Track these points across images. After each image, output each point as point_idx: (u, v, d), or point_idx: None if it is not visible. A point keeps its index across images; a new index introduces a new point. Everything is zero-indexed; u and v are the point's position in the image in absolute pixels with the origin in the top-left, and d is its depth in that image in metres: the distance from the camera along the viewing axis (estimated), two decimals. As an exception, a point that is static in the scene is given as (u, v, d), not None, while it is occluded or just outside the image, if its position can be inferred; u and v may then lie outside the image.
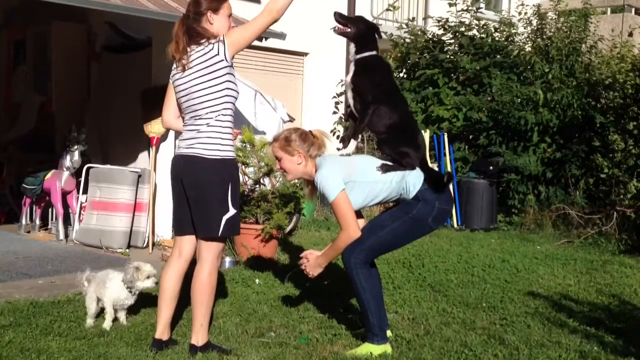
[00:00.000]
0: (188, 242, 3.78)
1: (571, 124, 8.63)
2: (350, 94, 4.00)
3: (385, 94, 3.94)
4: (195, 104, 3.62)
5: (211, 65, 3.57)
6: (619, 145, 7.86)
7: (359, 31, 3.97)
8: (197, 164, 3.60)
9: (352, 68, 4.00)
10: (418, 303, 4.86)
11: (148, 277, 4.14)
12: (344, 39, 4.34)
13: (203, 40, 3.60)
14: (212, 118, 3.60)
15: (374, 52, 3.99)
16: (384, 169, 3.79)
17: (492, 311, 4.74)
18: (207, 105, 3.59)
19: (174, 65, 3.70)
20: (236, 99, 3.70)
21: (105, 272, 4.25)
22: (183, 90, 3.65)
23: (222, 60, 3.57)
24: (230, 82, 3.62)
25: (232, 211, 3.64)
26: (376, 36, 4.04)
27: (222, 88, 3.60)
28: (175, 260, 3.80)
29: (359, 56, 3.96)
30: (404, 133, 3.93)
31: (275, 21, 3.62)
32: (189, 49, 3.61)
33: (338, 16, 3.99)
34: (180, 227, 3.81)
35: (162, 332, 3.79)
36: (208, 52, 3.57)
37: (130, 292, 4.14)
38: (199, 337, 3.70)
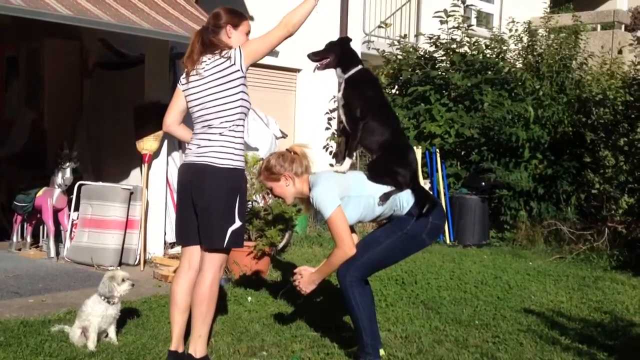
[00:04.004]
0: (196, 252, 3.77)
1: (562, 140, 8.69)
2: (341, 111, 4.02)
3: (376, 109, 3.95)
4: (208, 114, 3.63)
5: (227, 75, 3.59)
6: (609, 161, 7.91)
7: (337, 55, 3.98)
8: (207, 172, 3.60)
9: (342, 85, 4.01)
10: (411, 321, 4.85)
11: (124, 281, 4.13)
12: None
13: (217, 51, 3.63)
14: (225, 128, 3.61)
15: (360, 67, 4.00)
16: (383, 199, 3.78)
17: (485, 329, 4.73)
18: (221, 115, 3.61)
19: (185, 74, 3.72)
20: (249, 110, 3.72)
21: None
22: (196, 99, 3.67)
23: (238, 70, 3.60)
24: (244, 92, 3.65)
25: (237, 223, 3.64)
26: (352, 47, 4.04)
27: (236, 98, 3.62)
28: (184, 272, 3.79)
29: (347, 75, 3.97)
30: (395, 151, 3.93)
31: (290, 35, 3.66)
32: (202, 58, 3.64)
33: (312, 55, 4.01)
34: (186, 238, 3.80)
35: (177, 344, 3.78)
36: (224, 62, 3.60)
37: (109, 302, 4.12)
38: (197, 347, 3.68)
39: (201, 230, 3.67)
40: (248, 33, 3.78)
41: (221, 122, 3.61)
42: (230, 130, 3.62)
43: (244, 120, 3.69)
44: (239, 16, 3.78)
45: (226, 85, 3.60)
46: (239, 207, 3.65)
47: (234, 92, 3.61)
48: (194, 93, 3.67)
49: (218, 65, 3.61)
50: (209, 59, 3.64)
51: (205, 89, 3.63)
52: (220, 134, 3.61)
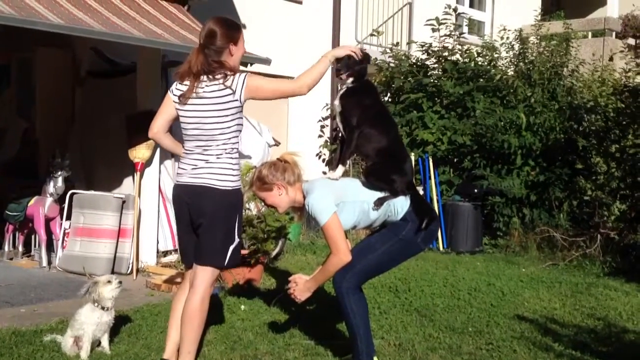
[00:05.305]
0: None
1: (554, 147, 8.71)
2: (338, 118, 4.02)
3: (373, 117, 3.95)
4: (204, 135, 3.62)
5: (225, 102, 3.58)
6: (601, 167, 7.93)
7: (355, 72, 3.93)
8: (206, 194, 3.61)
9: (340, 92, 4.01)
10: (404, 328, 4.85)
11: (109, 282, 4.11)
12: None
13: (219, 75, 3.59)
14: (223, 150, 3.62)
15: (364, 79, 4.00)
16: (378, 204, 3.79)
17: (479, 336, 4.73)
18: (219, 138, 3.61)
19: (178, 86, 3.68)
20: (242, 127, 3.73)
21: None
22: (192, 117, 3.64)
23: (237, 100, 3.59)
24: (239, 118, 3.65)
25: (237, 240, 3.68)
26: (366, 64, 4.04)
27: (232, 125, 3.62)
28: (188, 284, 3.79)
29: (351, 85, 3.96)
30: (392, 159, 3.94)
31: (298, 95, 3.74)
32: (202, 78, 3.59)
33: (345, 68, 3.91)
34: (190, 258, 3.81)
35: (171, 353, 3.78)
36: (224, 89, 3.57)
37: (103, 309, 4.09)
38: None
39: (201, 248, 3.68)
40: (243, 40, 3.77)
41: (218, 145, 3.62)
42: (227, 153, 3.63)
43: (238, 142, 3.70)
44: (234, 29, 3.72)
45: (223, 112, 3.59)
46: (238, 225, 3.69)
47: (231, 118, 3.61)
48: (190, 111, 3.64)
49: (218, 91, 3.58)
50: (210, 81, 3.59)
51: (203, 111, 3.60)
52: (218, 156, 3.62)
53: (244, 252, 5.94)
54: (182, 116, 3.69)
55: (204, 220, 3.63)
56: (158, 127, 3.80)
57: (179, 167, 3.77)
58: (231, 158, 3.65)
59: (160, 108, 3.82)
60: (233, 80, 3.58)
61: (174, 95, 3.72)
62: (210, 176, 3.61)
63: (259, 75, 3.72)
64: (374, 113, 3.98)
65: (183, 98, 3.63)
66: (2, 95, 9.03)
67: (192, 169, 3.66)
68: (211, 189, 3.60)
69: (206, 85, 3.60)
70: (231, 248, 3.65)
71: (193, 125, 3.65)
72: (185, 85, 3.64)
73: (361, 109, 3.92)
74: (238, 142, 3.69)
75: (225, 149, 3.62)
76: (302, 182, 3.91)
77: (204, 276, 3.67)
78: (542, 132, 8.74)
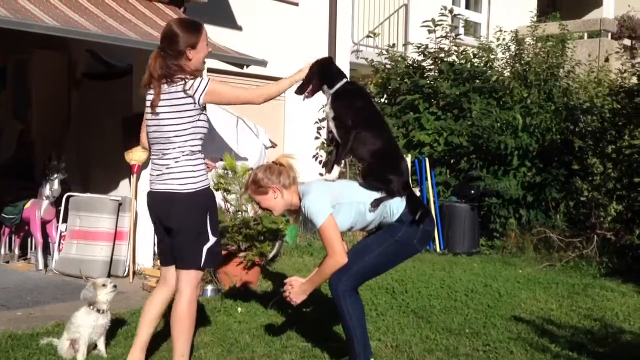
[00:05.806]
0: (171, 271, 3.80)
1: (550, 148, 8.73)
2: (331, 123, 4.00)
3: (366, 119, 3.94)
4: (162, 137, 3.63)
5: (181, 105, 3.58)
6: (597, 168, 7.94)
7: (319, 77, 3.91)
8: (172, 199, 3.62)
9: (329, 99, 3.99)
10: (401, 330, 4.85)
11: (104, 286, 4.11)
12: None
13: (178, 79, 3.57)
14: (181, 153, 3.61)
15: (344, 80, 3.97)
16: (374, 205, 3.78)
17: (475, 337, 4.73)
18: (174, 141, 3.61)
19: (148, 92, 3.70)
20: (207, 129, 3.71)
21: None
22: (151, 120, 3.67)
23: (194, 103, 3.58)
24: (198, 120, 3.63)
25: (212, 240, 3.68)
26: (333, 65, 4.01)
27: (189, 127, 3.60)
28: (161, 287, 3.86)
29: (332, 90, 3.94)
30: (388, 160, 3.93)
31: (252, 103, 3.79)
32: (162, 82, 3.58)
33: (298, 91, 3.95)
34: (164, 259, 3.86)
35: (133, 354, 3.78)
36: (181, 93, 3.56)
37: (99, 311, 4.09)
38: None
39: (175, 252, 3.69)
40: (206, 41, 3.73)
41: (174, 148, 3.62)
42: (185, 156, 3.62)
43: (199, 144, 3.67)
44: (195, 31, 3.68)
45: (179, 114, 3.58)
46: (211, 224, 3.68)
47: (187, 121, 3.59)
48: (149, 114, 3.66)
49: (175, 93, 3.57)
50: (169, 86, 3.58)
51: (160, 113, 3.60)
52: (176, 160, 3.62)
53: (239, 253, 5.94)
54: (147, 119, 3.71)
55: (173, 225, 3.65)
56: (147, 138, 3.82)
57: (150, 174, 3.78)
58: (190, 160, 3.63)
59: (143, 120, 3.81)
60: (192, 85, 3.57)
61: (147, 101, 3.73)
62: (171, 181, 3.62)
63: (221, 81, 3.75)
64: (367, 114, 3.97)
65: (153, 107, 3.62)
66: (0, 97, 9.01)
67: (157, 175, 3.68)
68: (174, 193, 3.61)
69: (163, 91, 3.58)
70: (205, 248, 3.65)
71: (153, 128, 3.67)
72: (152, 91, 3.64)
73: (354, 111, 3.91)
74: (198, 145, 3.66)
75: (183, 152, 3.61)
76: (297, 185, 3.90)
77: (186, 279, 3.68)
78: (538, 133, 8.76)
